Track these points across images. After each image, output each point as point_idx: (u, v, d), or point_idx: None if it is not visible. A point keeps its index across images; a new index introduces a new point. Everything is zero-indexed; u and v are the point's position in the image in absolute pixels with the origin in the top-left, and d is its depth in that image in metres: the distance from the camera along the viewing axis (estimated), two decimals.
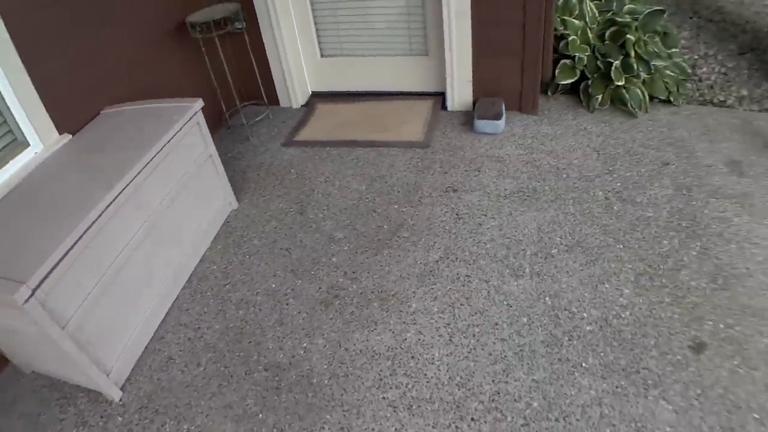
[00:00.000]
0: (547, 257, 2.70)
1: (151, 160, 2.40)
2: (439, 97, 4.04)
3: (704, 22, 5.40)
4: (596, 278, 2.58)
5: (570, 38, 3.75)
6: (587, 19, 3.88)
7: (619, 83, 3.63)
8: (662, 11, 3.82)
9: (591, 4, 3.94)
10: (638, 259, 2.67)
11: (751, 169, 3.29)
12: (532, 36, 3.44)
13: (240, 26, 3.66)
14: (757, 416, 1.99)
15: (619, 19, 3.76)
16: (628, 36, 3.65)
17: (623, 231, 2.85)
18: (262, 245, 2.91)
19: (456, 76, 3.75)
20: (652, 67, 3.67)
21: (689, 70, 4.02)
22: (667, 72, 3.79)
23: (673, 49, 3.94)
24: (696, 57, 4.56)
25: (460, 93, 3.83)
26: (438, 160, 3.46)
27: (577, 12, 3.90)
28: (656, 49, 3.78)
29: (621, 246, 2.76)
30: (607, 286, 2.54)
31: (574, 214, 2.96)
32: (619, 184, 3.17)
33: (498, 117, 3.55)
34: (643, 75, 3.68)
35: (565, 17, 3.85)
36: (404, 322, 2.41)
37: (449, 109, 3.94)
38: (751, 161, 3.37)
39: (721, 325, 2.33)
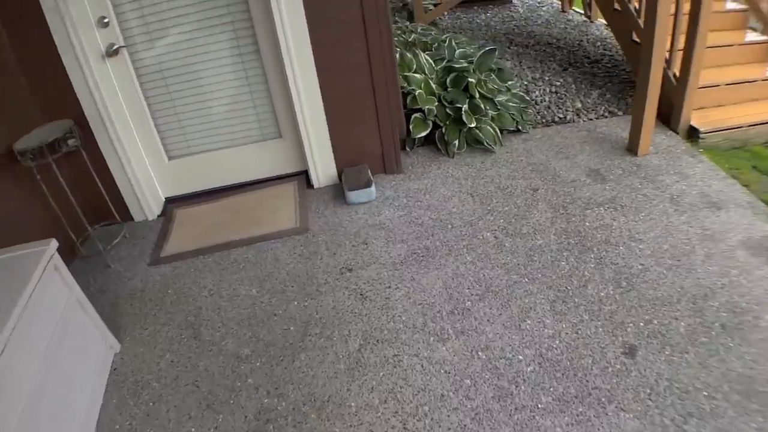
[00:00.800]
0: (464, 312, 2.65)
1: (13, 331, 2.00)
2: (303, 176, 3.91)
3: (522, 48, 5.86)
4: (516, 318, 2.57)
5: (416, 92, 3.84)
6: (426, 71, 4.01)
7: (471, 125, 3.76)
8: (493, 50, 4.06)
9: (425, 55, 4.08)
10: (546, 287, 2.73)
11: (610, 174, 3.53)
12: (383, 99, 3.47)
13: (75, 143, 3.31)
14: (705, 393, 2.11)
15: (456, 65, 3.93)
16: (470, 79, 3.81)
17: (522, 265, 2.89)
18: (164, 386, 2.53)
19: (316, 152, 3.67)
20: (497, 103, 3.85)
21: (527, 98, 4.28)
22: (510, 104, 4.00)
23: (509, 82, 4.18)
24: (526, 83, 4.89)
25: (323, 168, 3.75)
26: (322, 242, 3.31)
27: (415, 66, 4.03)
28: (496, 86, 3.98)
29: (526, 280, 2.79)
30: (528, 322, 2.54)
31: (473, 262, 2.95)
32: (502, 221, 3.24)
33: (368, 184, 3.51)
34: (491, 112, 3.85)
35: (407, 74, 3.95)
36: (351, 426, 2.19)
37: (316, 186, 3.83)
38: (608, 166, 3.62)
39: (641, 324, 2.47)
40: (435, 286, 2.83)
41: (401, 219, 3.37)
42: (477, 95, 3.82)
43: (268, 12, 3.26)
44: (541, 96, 4.64)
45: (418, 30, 5.18)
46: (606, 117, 4.33)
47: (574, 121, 4.25)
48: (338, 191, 3.76)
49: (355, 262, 3.09)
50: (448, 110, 3.85)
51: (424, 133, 3.87)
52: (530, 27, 6.71)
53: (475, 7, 7.77)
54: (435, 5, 6.61)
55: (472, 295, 2.74)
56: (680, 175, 3.54)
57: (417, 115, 3.88)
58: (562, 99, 4.56)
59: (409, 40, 4.66)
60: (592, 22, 6.73)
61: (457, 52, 4.24)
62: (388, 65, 3.40)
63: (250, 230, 3.48)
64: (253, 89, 3.60)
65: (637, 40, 4.39)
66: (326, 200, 3.70)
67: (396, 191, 3.66)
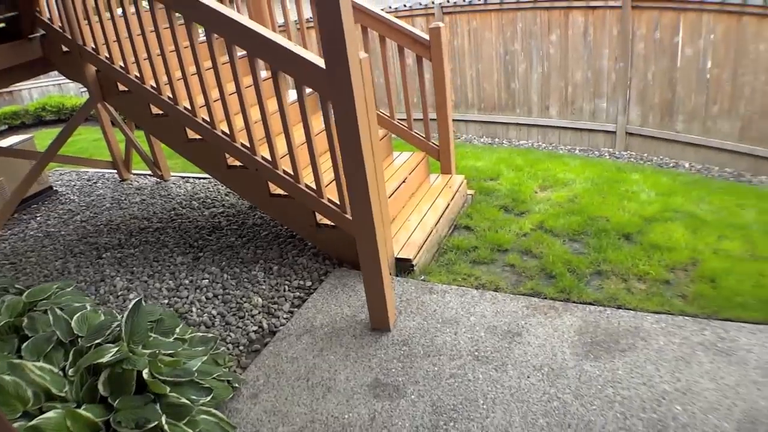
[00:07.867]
0: None
1: None
2: None
3: (117, 251, 4.20)
4: None
5: None
6: (54, 389, 2.28)
7: None
8: (139, 302, 2.60)
9: (32, 364, 2.33)
10: None
11: (393, 376, 2.73)
12: None
13: None
14: None
15: (104, 356, 2.30)
16: (141, 370, 2.27)
17: None
18: None
19: None
20: (197, 380, 2.46)
21: (209, 333, 2.93)
22: (204, 365, 2.62)
23: (177, 329, 2.78)
24: (166, 301, 3.46)
25: None
26: None
27: (29, 394, 2.23)
28: (170, 351, 2.56)
29: None
30: None
31: None
32: None
33: None
34: (202, 399, 2.42)
35: (30, 423, 2.13)
36: None
37: None
38: (380, 366, 2.82)
39: None
40: None
41: None
42: (168, 389, 2.32)
43: None
44: (201, 312, 3.31)
45: None
46: (302, 297, 3.35)
47: (275, 328, 3.11)
48: None
49: None
50: None
51: None
52: (102, 215, 4.98)
53: (16, 216, 5.31)
54: None
55: None
56: (448, 323, 2.99)
57: None
58: (231, 303, 3.34)
59: None
60: (166, 180, 5.58)
61: (75, 320, 2.63)
62: None
63: None
64: None
65: (278, 191, 3.55)
66: None
67: None
